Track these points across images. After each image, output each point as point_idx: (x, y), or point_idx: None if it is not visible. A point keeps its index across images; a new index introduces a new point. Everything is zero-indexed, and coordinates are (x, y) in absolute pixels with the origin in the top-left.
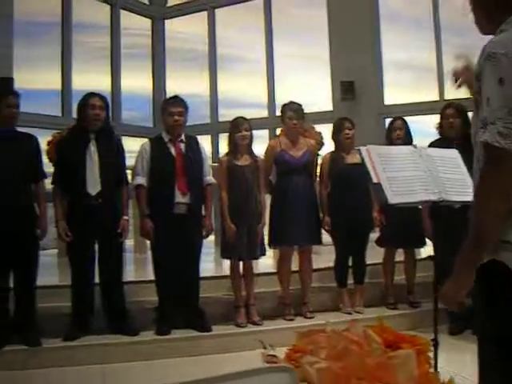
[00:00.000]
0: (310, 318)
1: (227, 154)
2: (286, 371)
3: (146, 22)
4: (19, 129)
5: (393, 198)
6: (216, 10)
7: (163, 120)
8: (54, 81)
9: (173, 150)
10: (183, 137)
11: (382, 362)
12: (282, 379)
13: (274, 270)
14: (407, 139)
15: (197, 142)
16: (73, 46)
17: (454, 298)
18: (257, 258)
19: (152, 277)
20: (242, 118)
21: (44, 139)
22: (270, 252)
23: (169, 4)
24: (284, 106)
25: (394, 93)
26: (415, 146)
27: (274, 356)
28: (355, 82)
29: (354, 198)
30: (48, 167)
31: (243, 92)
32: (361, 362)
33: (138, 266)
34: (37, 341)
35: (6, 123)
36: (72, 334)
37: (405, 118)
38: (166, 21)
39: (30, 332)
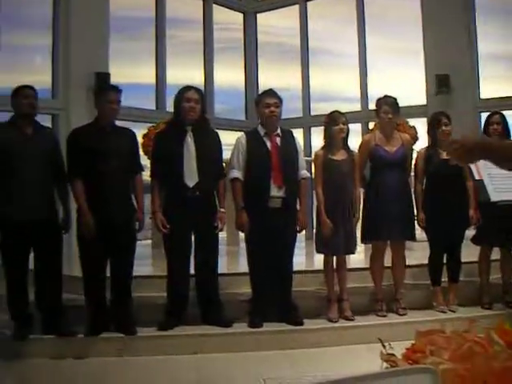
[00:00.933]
0: (403, 314)
1: (323, 148)
2: (429, 372)
3: (238, 16)
4: (116, 123)
5: (494, 196)
6: (308, 3)
7: (258, 112)
8: (148, 75)
9: (268, 144)
10: (279, 130)
11: (509, 365)
12: (426, 380)
13: (367, 265)
14: (505, 134)
15: (292, 136)
16: (166, 40)
17: None
18: (352, 253)
19: (245, 269)
20: (338, 111)
21: (139, 133)
22: (363, 247)
23: None
24: (379, 100)
25: (491, 86)
26: None
27: (393, 355)
28: (450, 75)
29: (449, 195)
30: (142, 160)
31: (335, 85)
32: (487, 364)
33: (231, 258)
34: (132, 329)
35: (106, 118)
36: (166, 324)
37: (503, 112)
38: (257, 15)
39: (126, 321)
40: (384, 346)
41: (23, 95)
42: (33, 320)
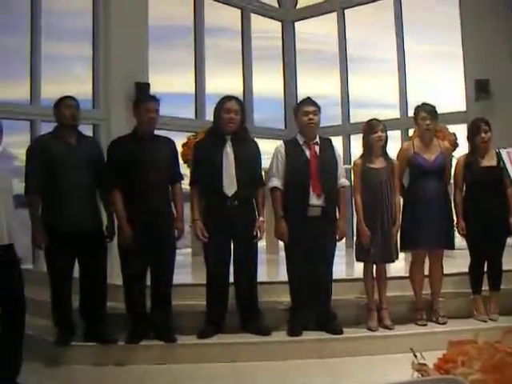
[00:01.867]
0: (443, 323)
1: (361, 156)
2: (457, 383)
3: (276, 25)
4: (155, 132)
5: None
6: (345, 11)
7: (297, 121)
8: (187, 84)
9: (307, 153)
10: (318, 139)
11: None
12: None
13: (407, 274)
14: None
15: (331, 144)
16: (205, 49)
17: None
18: (392, 262)
19: (285, 278)
20: (376, 119)
21: (179, 142)
22: (403, 255)
23: (298, 6)
24: (417, 107)
25: None
26: None
27: (425, 365)
28: (490, 80)
29: (489, 202)
30: (182, 169)
31: (374, 92)
32: None
33: (270, 266)
34: (172, 337)
35: (145, 127)
36: (206, 332)
37: None
38: (295, 23)
39: (166, 329)
40: (415, 356)
41: (65, 106)
42: (75, 327)
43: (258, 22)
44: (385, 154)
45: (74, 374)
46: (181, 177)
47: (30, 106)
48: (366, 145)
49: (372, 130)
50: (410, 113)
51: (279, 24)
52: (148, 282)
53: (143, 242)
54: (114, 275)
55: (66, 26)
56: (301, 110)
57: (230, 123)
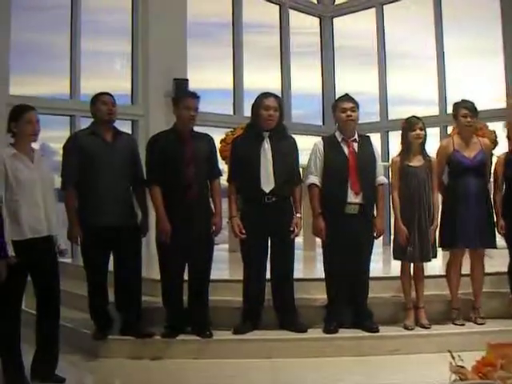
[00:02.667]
0: (481, 324)
1: (399, 153)
2: None
3: (315, 21)
4: (194, 128)
5: None
6: (384, 6)
7: (335, 117)
8: (225, 80)
9: (346, 150)
10: (356, 136)
11: None
12: None
13: (444, 273)
14: None
15: (370, 142)
16: (243, 45)
17: None
18: (429, 261)
19: (321, 275)
20: (415, 116)
21: (217, 138)
22: (440, 253)
23: (337, 2)
24: (456, 104)
25: None
26: None
27: (463, 367)
28: None
29: None
30: (220, 165)
31: (412, 89)
32: None
33: (307, 263)
34: (209, 333)
35: (185, 124)
36: (242, 328)
37: None
38: (334, 19)
39: (203, 324)
40: (453, 358)
41: (102, 102)
42: (113, 321)
43: (296, 17)
44: (423, 152)
45: (111, 367)
46: (219, 173)
47: (69, 101)
48: (405, 142)
49: (411, 128)
50: (449, 110)
51: (317, 20)
52: (185, 277)
53: (182, 237)
54: (152, 270)
55: (106, 22)
56: (339, 107)
57: (269, 120)
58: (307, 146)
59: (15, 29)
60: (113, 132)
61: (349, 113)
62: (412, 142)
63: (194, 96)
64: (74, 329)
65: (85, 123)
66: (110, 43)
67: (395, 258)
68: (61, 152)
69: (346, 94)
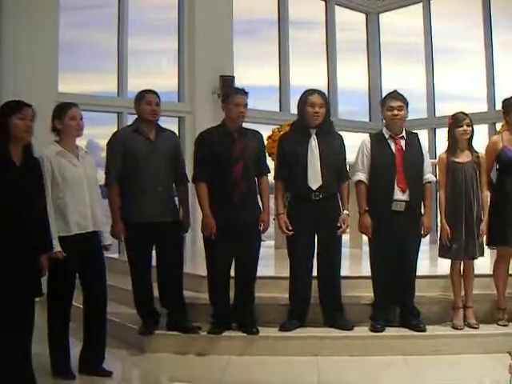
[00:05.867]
0: None
1: (446, 150)
2: None
3: (361, 17)
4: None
5: None
6: (431, 1)
7: (383, 115)
8: (271, 77)
9: (393, 147)
10: (404, 133)
11: None
12: None
13: (490, 272)
14: None
15: (417, 139)
16: (289, 41)
17: None
18: (474, 258)
19: (368, 272)
20: (462, 112)
21: (263, 134)
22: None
23: None
24: (506, 100)
25: None
26: None
27: None
28: None
29: None
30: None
31: (460, 85)
32: None
33: (353, 261)
34: (255, 329)
35: (234, 121)
36: (288, 325)
37: None
38: (380, 15)
39: (249, 320)
40: None
41: (146, 101)
42: (159, 316)
43: (342, 13)
44: (471, 148)
45: (157, 362)
46: (268, 170)
47: (117, 98)
48: (452, 139)
49: (458, 124)
50: (498, 106)
51: (364, 16)
52: (232, 274)
53: (229, 233)
54: (198, 266)
55: (152, 20)
56: (386, 105)
57: (315, 117)
58: (354, 143)
59: (63, 27)
60: (156, 129)
61: (395, 112)
62: (459, 138)
63: (243, 92)
64: (121, 323)
65: (132, 120)
66: (156, 41)
67: (440, 256)
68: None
69: (395, 91)
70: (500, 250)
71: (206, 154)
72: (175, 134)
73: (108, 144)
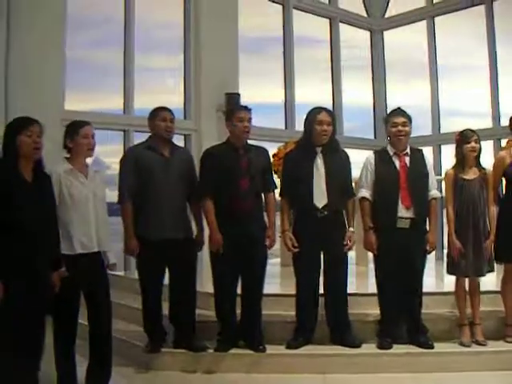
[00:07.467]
0: None
1: (454, 166)
2: None
3: (365, 34)
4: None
5: None
6: (435, 19)
7: (387, 131)
8: (276, 94)
9: (397, 164)
10: (408, 150)
11: None
12: None
13: (498, 288)
14: None
15: (422, 155)
16: (294, 59)
17: None
18: (483, 275)
19: (374, 290)
20: (470, 129)
21: (269, 152)
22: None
23: (387, 15)
24: None
25: None
26: None
27: None
28: None
29: None
30: None
31: (464, 101)
32: None
33: (360, 278)
34: (262, 347)
35: (239, 137)
36: (295, 343)
37: None
38: (384, 32)
39: (256, 338)
40: None
41: (161, 118)
42: (166, 334)
43: (346, 31)
44: (478, 165)
45: (164, 380)
46: (274, 186)
47: (123, 116)
48: (459, 155)
49: (466, 141)
50: (503, 122)
51: (368, 33)
52: (238, 291)
53: (234, 250)
54: (204, 283)
55: (158, 38)
56: (390, 121)
57: (323, 135)
58: (358, 160)
59: (69, 45)
60: (170, 146)
61: (400, 128)
62: (467, 155)
63: (246, 108)
64: (127, 341)
65: (138, 137)
66: (162, 58)
67: (449, 273)
68: (113, 166)
69: (398, 108)
70: (507, 265)
71: (212, 169)
72: (189, 151)
73: (121, 161)
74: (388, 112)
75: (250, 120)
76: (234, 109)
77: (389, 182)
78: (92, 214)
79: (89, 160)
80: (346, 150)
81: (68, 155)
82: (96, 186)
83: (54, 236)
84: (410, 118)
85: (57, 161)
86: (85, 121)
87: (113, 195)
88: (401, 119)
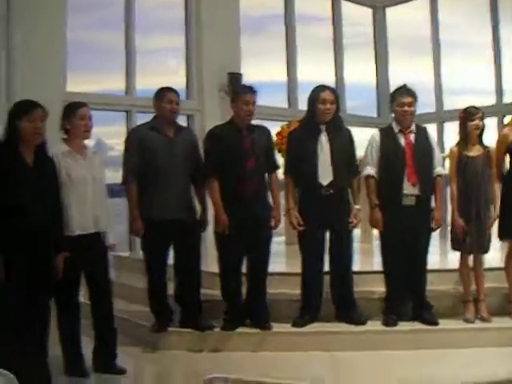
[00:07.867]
0: None
1: (457, 144)
2: None
3: (367, 12)
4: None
5: None
6: None
7: (392, 109)
8: (279, 73)
9: (402, 141)
10: (413, 127)
11: None
12: None
13: (502, 265)
14: None
15: (427, 133)
16: (296, 37)
17: None
18: (486, 252)
19: (379, 267)
20: (474, 107)
21: (272, 131)
22: (499, 245)
23: None
24: None
25: None
26: None
27: None
28: None
29: None
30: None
31: (468, 78)
32: None
33: (365, 255)
34: (268, 325)
35: (243, 119)
36: (301, 321)
37: None
38: (386, 9)
39: (262, 316)
40: None
41: (167, 101)
42: (172, 313)
43: (348, 8)
44: (481, 142)
45: (171, 359)
46: (277, 165)
47: (125, 97)
48: (463, 133)
49: (470, 118)
50: (506, 99)
51: (370, 10)
52: (244, 270)
53: (240, 230)
54: (210, 263)
55: (159, 18)
56: (396, 100)
57: (326, 113)
58: (362, 138)
59: (70, 27)
60: (174, 127)
61: (406, 108)
62: (470, 133)
63: (253, 91)
64: (133, 321)
65: (141, 118)
66: (163, 39)
67: (453, 249)
68: (116, 147)
69: (404, 86)
70: (511, 242)
71: (216, 150)
72: (193, 131)
73: (125, 142)
74: (393, 89)
75: (254, 103)
76: (240, 91)
77: (394, 159)
78: (90, 195)
79: (91, 141)
80: (350, 128)
81: (65, 136)
82: (95, 168)
83: (57, 218)
84: (415, 97)
85: (56, 142)
86: (81, 102)
87: (117, 176)
88: (408, 99)
